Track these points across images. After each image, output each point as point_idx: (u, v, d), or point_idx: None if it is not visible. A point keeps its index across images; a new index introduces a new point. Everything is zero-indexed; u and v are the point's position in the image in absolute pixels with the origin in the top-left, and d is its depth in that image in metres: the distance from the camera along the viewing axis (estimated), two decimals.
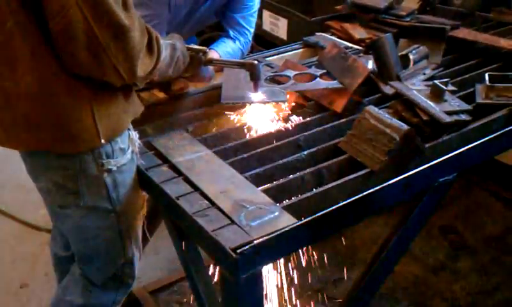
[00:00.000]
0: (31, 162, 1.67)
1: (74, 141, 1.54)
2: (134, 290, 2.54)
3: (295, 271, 2.29)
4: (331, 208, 1.49)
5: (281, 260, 2.20)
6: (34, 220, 3.11)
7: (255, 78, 1.96)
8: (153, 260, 2.84)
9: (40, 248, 2.89)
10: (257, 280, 1.45)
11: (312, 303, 2.37)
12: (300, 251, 2.25)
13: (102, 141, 1.55)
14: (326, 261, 2.36)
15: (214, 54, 2.15)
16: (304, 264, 2.33)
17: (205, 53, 1.97)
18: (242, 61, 2.14)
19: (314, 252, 2.33)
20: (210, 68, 2.10)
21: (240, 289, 1.42)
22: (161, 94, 2.12)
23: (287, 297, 2.38)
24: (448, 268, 2.82)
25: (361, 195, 1.53)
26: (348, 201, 1.52)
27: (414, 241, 2.81)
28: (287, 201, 1.57)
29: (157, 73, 1.67)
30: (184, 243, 1.80)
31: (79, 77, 1.47)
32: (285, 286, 2.36)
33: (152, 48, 1.55)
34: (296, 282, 2.33)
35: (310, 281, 2.39)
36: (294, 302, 2.41)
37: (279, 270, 2.27)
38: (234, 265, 1.36)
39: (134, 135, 1.71)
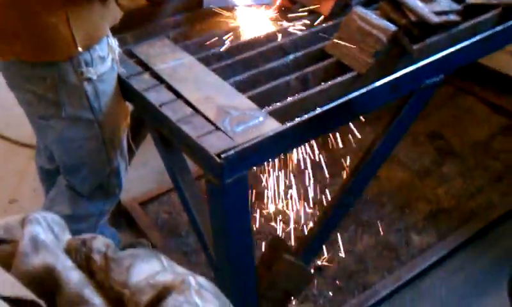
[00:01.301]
0: (9, 73, 1.64)
1: (50, 49, 1.51)
2: (123, 202, 2.58)
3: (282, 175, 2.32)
4: (316, 112, 1.48)
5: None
6: (20, 136, 3.08)
7: None
8: (142, 172, 2.85)
9: (27, 164, 2.88)
10: (242, 185, 1.46)
11: (301, 208, 2.41)
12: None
13: (79, 48, 1.52)
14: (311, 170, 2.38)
15: None
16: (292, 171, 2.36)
17: None
18: None
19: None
20: None
21: (225, 194, 1.43)
22: (142, 1, 2.03)
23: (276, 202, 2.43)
24: (433, 173, 2.85)
25: (346, 98, 1.52)
26: (333, 104, 1.50)
27: (401, 148, 2.86)
28: (272, 106, 1.55)
29: None
30: (169, 152, 1.79)
31: None
32: (272, 192, 2.41)
33: None
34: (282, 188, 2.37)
35: (298, 188, 2.41)
36: (282, 208, 2.46)
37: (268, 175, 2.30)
38: (219, 170, 1.36)
39: (114, 42, 1.67)
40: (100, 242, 0.74)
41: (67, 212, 1.84)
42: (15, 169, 2.95)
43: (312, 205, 2.45)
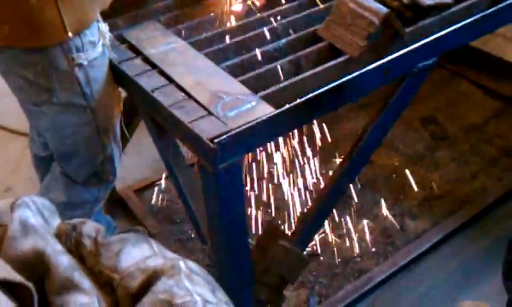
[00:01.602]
0: (1, 59, 1.62)
1: (39, 34, 1.50)
2: (118, 190, 2.58)
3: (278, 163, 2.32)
4: (309, 96, 1.47)
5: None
6: (14, 125, 3.07)
7: None
8: (137, 160, 2.85)
9: (22, 152, 2.88)
10: (236, 170, 1.46)
11: (295, 194, 2.41)
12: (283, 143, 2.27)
13: (69, 34, 1.51)
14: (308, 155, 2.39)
15: None
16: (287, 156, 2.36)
17: None
18: None
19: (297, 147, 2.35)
20: None
21: (219, 179, 1.43)
22: None
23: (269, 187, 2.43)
24: (428, 158, 2.85)
25: (339, 81, 1.51)
26: (326, 87, 1.50)
27: (395, 133, 2.86)
28: (265, 91, 1.54)
29: None
30: (162, 138, 1.79)
31: None
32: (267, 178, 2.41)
33: None
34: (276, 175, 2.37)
35: (292, 175, 2.42)
36: (275, 195, 2.46)
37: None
38: (212, 155, 1.36)
39: (104, 27, 1.66)
40: (90, 227, 0.74)
41: (62, 199, 1.84)
42: (9, 158, 2.95)
43: (306, 191, 2.45)
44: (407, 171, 2.58)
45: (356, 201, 2.48)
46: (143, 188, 2.71)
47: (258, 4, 1.92)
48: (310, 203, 2.32)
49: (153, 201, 2.59)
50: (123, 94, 1.84)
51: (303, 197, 2.41)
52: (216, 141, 1.35)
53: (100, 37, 1.62)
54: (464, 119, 3.08)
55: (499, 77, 3.19)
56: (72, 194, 1.86)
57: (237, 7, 1.91)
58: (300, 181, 2.41)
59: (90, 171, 1.83)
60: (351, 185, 2.16)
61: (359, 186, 2.56)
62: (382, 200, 2.51)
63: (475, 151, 2.88)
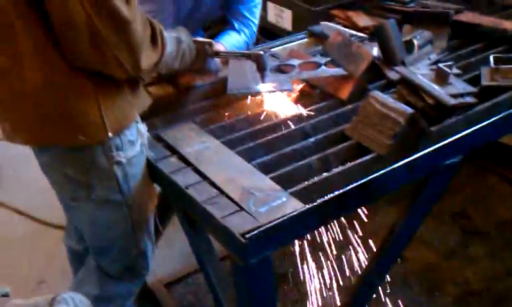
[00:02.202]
0: (42, 156, 1.70)
1: (82, 135, 1.56)
2: (148, 283, 2.59)
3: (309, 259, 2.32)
4: (337, 192, 1.51)
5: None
6: (49, 218, 3.16)
7: (261, 68, 1.97)
8: (168, 253, 2.88)
9: (56, 245, 2.92)
10: (267, 265, 1.48)
11: (324, 291, 2.38)
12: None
13: (109, 134, 1.58)
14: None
15: (219, 46, 2.17)
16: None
17: (211, 45, 1.98)
18: (248, 51, 2.16)
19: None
20: (217, 60, 2.11)
21: (250, 274, 1.45)
22: (170, 88, 2.15)
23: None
24: (460, 254, 2.81)
25: (366, 179, 1.55)
26: (354, 185, 1.54)
27: (425, 227, 2.84)
28: (295, 187, 1.59)
29: (164, 66, 1.70)
30: (195, 232, 1.83)
31: (83, 71, 1.50)
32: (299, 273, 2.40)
33: (155, 41, 1.57)
34: (308, 270, 2.36)
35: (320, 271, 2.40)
36: (307, 290, 2.43)
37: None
38: (243, 250, 1.38)
39: (143, 127, 1.73)
40: None
41: (95, 292, 1.86)
42: (44, 250, 3.00)
43: (337, 288, 2.42)
44: (439, 267, 2.54)
45: (388, 297, 2.43)
46: (173, 282, 2.72)
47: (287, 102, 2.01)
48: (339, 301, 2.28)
49: (183, 296, 2.58)
50: (157, 190, 1.90)
51: (333, 294, 2.37)
52: (247, 236, 1.38)
53: (138, 136, 1.69)
54: (495, 214, 3.05)
55: None
56: (105, 287, 1.89)
57: (268, 108, 2.00)
58: (331, 277, 2.39)
59: (124, 265, 1.86)
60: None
61: (391, 282, 2.52)
62: (415, 297, 2.45)
63: (508, 246, 2.83)
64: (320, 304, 2.34)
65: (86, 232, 1.86)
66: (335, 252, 2.36)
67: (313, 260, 2.35)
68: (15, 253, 2.99)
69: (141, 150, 1.71)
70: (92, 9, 1.38)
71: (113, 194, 1.69)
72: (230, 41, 2.30)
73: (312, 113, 1.95)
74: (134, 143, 1.68)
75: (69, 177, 1.66)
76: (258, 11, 2.45)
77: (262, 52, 1.98)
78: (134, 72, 1.53)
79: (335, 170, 1.63)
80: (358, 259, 2.58)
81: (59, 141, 1.59)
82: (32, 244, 3.08)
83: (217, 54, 2.02)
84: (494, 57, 2.09)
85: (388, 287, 2.39)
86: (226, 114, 1.99)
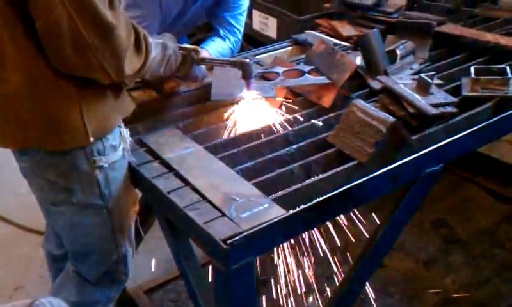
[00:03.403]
0: (24, 160, 1.68)
1: (63, 139, 1.55)
2: (128, 290, 2.57)
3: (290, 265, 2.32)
4: (319, 199, 1.52)
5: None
6: (28, 223, 3.12)
7: (246, 76, 1.97)
8: (148, 260, 2.84)
9: (34, 250, 2.90)
10: (248, 271, 1.47)
11: (303, 299, 2.39)
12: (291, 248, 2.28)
13: (91, 139, 1.57)
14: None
15: (205, 53, 2.17)
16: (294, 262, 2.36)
17: (197, 52, 1.97)
18: (233, 59, 2.16)
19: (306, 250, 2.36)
20: (203, 67, 2.10)
21: (231, 280, 1.45)
22: (154, 93, 2.14)
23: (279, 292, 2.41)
24: (440, 262, 2.84)
25: (348, 186, 1.56)
26: (336, 192, 1.55)
27: (406, 236, 2.87)
28: (277, 194, 1.59)
29: (148, 71, 1.69)
30: (176, 238, 1.82)
31: (66, 76, 1.49)
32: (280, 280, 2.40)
33: (139, 47, 1.57)
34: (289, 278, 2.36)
35: (302, 278, 2.41)
36: (287, 298, 2.43)
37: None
38: (225, 256, 1.38)
39: (125, 132, 1.73)
40: None
41: (73, 298, 1.84)
42: (21, 256, 2.96)
43: (319, 294, 2.43)
44: (419, 275, 2.56)
45: (369, 305, 2.44)
46: (153, 289, 2.69)
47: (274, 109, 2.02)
48: None
49: (163, 302, 2.56)
50: (139, 194, 1.89)
51: (315, 301, 2.38)
52: (228, 242, 1.38)
53: (121, 141, 1.69)
54: (475, 223, 3.09)
55: (506, 182, 3.24)
56: (84, 294, 1.87)
57: (251, 115, 2.00)
58: (312, 284, 2.39)
59: (103, 270, 1.84)
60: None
61: (370, 290, 2.54)
62: (395, 304, 2.47)
63: (487, 255, 2.87)
64: None
65: (65, 237, 1.84)
66: (316, 259, 2.37)
67: (295, 266, 2.35)
68: None
69: (123, 155, 1.71)
70: (76, 14, 1.38)
71: (94, 198, 1.68)
72: (215, 47, 2.31)
73: (295, 121, 1.96)
74: (116, 148, 1.67)
75: (50, 181, 1.65)
76: (243, 19, 2.47)
77: (247, 60, 1.98)
78: (117, 77, 1.52)
79: (317, 177, 1.64)
80: (338, 267, 2.60)
81: (40, 144, 1.58)
82: (10, 249, 3.03)
83: (203, 60, 2.01)
84: (475, 69, 2.13)
85: (368, 295, 2.40)
86: (210, 120, 1.99)
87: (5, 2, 1.41)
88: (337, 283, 2.40)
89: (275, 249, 2.23)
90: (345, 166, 1.68)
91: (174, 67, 1.87)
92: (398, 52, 2.23)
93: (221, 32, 2.41)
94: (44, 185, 1.68)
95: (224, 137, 1.90)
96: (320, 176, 1.65)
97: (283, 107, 2.05)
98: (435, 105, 1.89)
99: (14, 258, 2.97)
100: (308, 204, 1.50)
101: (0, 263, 2.93)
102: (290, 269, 2.34)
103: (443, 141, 1.79)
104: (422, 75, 2.02)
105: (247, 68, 1.96)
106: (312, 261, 2.39)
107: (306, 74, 2.12)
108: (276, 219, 1.45)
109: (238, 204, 1.52)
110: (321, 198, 1.52)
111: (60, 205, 1.71)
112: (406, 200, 1.77)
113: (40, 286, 2.73)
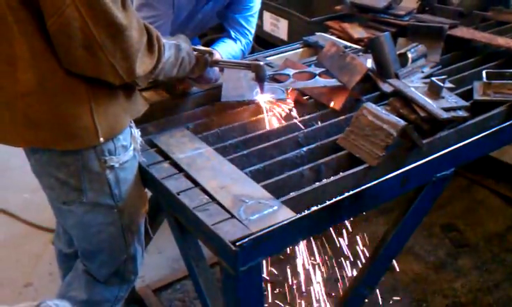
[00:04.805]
0: (34, 159, 1.70)
1: (73, 139, 1.56)
2: (137, 289, 2.58)
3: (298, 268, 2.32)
4: (328, 202, 1.52)
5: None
6: (38, 220, 3.14)
7: (260, 79, 1.96)
8: (157, 259, 2.87)
9: (44, 248, 2.93)
10: (256, 273, 1.48)
11: (314, 301, 2.39)
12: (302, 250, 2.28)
13: (101, 139, 1.57)
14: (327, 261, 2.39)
15: (217, 55, 2.17)
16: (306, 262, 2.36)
17: (211, 54, 1.97)
18: (247, 62, 2.15)
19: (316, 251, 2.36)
20: (216, 69, 2.09)
21: (239, 281, 1.45)
22: (165, 94, 2.15)
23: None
24: (449, 266, 2.83)
25: (358, 189, 1.56)
26: (346, 195, 1.55)
27: (415, 239, 2.86)
28: (286, 196, 1.59)
29: (161, 73, 1.69)
30: (185, 238, 1.83)
31: (77, 76, 1.49)
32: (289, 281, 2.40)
33: (152, 48, 1.57)
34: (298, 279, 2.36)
35: (312, 279, 2.40)
36: (295, 300, 2.43)
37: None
38: (233, 258, 1.38)
39: (136, 132, 1.73)
40: None
41: (82, 297, 1.85)
42: (32, 253, 2.99)
43: (325, 297, 2.42)
44: (428, 279, 2.55)
45: None
46: (162, 288, 2.71)
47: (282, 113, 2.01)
48: None
49: (171, 301, 2.57)
50: (149, 194, 1.90)
51: (324, 304, 2.37)
52: (237, 243, 1.38)
53: (131, 141, 1.69)
54: (485, 227, 3.08)
55: None
56: (93, 292, 1.88)
57: (262, 116, 2.00)
58: (321, 286, 2.39)
59: (113, 269, 1.85)
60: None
61: (379, 293, 2.53)
62: None
63: (497, 259, 2.85)
64: None
65: (75, 235, 1.85)
66: (325, 261, 2.37)
67: (303, 269, 2.36)
68: (1, 255, 2.97)
69: (134, 155, 1.71)
70: (87, 14, 1.38)
71: (105, 198, 1.69)
72: (226, 49, 2.31)
73: (305, 123, 1.96)
74: (127, 148, 1.68)
75: (60, 180, 1.66)
76: (254, 21, 2.46)
77: (261, 63, 1.96)
78: (129, 78, 1.53)
79: (327, 180, 1.64)
80: (348, 270, 2.59)
81: (52, 144, 1.59)
82: (20, 247, 3.06)
83: (216, 63, 2.01)
84: (486, 72, 2.11)
85: (377, 298, 2.39)
86: (220, 121, 1.99)
87: (18, 0, 1.42)
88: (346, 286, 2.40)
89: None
90: (356, 169, 1.68)
91: (188, 69, 1.86)
92: (409, 55, 2.22)
93: (232, 33, 2.41)
94: (55, 184, 1.69)
95: (234, 138, 1.89)
96: (330, 179, 1.64)
97: (293, 109, 2.05)
98: (446, 109, 1.88)
99: (24, 255, 2.99)
100: (317, 207, 1.50)
101: (9, 260, 2.95)
102: (298, 271, 2.34)
103: (454, 145, 1.78)
104: (434, 78, 2.01)
105: (261, 71, 1.95)
106: (321, 263, 2.39)
107: (317, 76, 2.12)
108: (285, 222, 1.45)
109: (247, 206, 1.52)
110: (331, 201, 1.52)
111: (71, 204, 1.71)
112: (416, 204, 1.77)
113: (49, 283, 2.75)
